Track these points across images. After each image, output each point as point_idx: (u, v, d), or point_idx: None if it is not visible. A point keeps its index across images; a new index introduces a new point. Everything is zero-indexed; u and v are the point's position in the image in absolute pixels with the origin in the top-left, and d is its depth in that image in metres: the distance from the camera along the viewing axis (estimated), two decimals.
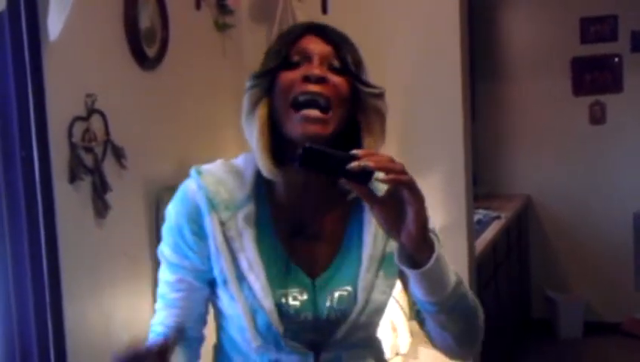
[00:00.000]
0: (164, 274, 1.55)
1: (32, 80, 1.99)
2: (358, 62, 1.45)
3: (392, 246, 1.42)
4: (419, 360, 3.34)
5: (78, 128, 2.16)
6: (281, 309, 1.43)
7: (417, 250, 1.29)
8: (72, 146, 2.12)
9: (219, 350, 1.61)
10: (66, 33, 2.05)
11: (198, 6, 2.86)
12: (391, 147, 3.31)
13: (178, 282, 1.51)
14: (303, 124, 1.35)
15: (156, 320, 1.56)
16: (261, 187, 1.48)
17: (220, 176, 1.48)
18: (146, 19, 2.49)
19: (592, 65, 6.06)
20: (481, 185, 5.68)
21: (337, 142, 1.39)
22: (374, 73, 3.50)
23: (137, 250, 2.46)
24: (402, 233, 1.28)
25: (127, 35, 2.41)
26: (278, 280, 1.44)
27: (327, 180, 1.44)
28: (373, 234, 1.48)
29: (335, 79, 1.39)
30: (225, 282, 1.45)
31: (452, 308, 1.38)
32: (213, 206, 1.44)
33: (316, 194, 1.47)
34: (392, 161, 1.25)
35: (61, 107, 2.09)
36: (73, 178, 2.13)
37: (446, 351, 1.54)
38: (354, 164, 1.21)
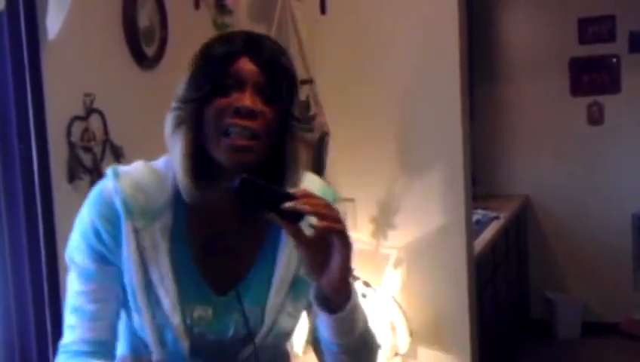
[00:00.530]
0: (76, 285, 1.39)
1: (31, 79, 1.99)
2: (293, 86, 1.39)
3: (304, 271, 1.40)
4: (418, 361, 3.34)
5: (77, 127, 2.16)
6: (187, 326, 1.38)
7: (336, 295, 1.29)
8: (71, 146, 2.12)
9: None
10: (64, 32, 2.05)
11: (197, 5, 2.86)
12: (390, 147, 3.34)
13: (93, 291, 1.38)
14: (231, 154, 1.30)
15: (71, 338, 1.39)
16: (180, 196, 1.39)
17: (138, 180, 1.39)
18: (145, 18, 2.49)
19: (590, 66, 6.06)
20: (480, 185, 5.68)
21: (262, 168, 1.36)
22: (373, 74, 3.51)
23: None
24: (324, 276, 1.27)
25: (126, 35, 2.41)
26: (186, 295, 1.38)
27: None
28: (287, 256, 1.44)
29: (265, 111, 1.32)
30: (132, 293, 1.37)
31: (355, 351, 1.40)
32: (129, 211, 1.35)
33: (235, 212, 1.42)
34: (328, 206, 1.23)
35: (60, 106, 2.09)
36: (72, 177, 2.13)
37: None
38: (289, 205, 1.20)
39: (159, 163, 1.45)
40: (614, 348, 5.75)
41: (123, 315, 1.44)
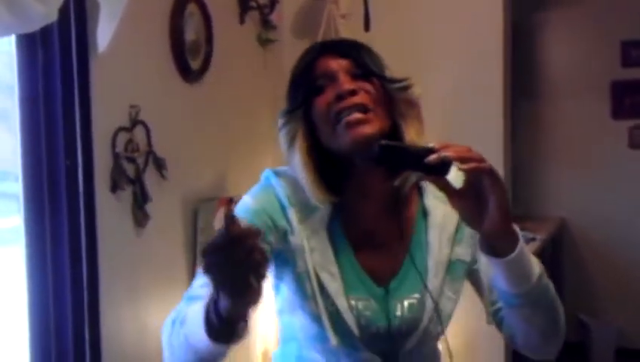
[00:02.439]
0: None
1: (79, 90, 2.03)
2: (378, 62, 1.45)
3: (457, 252, 1.45)
4: None
5: (122, 138, 2.19)
6: (354, 314, 1.41)
7: (501, 239, 1.26)
8: (115, 156, 2.16)
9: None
10: (113, 45, 2.09)
11: (242, 20, 2.89)
12: None
13: None
14: (349, 131, 1.35)
15: (197, 293, 1.33)
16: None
17: (295, 179, 1.45)
18: (192, 32, 2.52)
19: (632, 89, 5.99)
20: (517, 205, 5.64)
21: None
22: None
23: (174, 260, 2.48)
24: (485, 222, 1.25)
25: (172, 48, 2.44)
26: (350, 285, 1.42)
27: (387, 189, 1.43)
28: (438, 240, 1.46)
29: (364, 86, 1.39)
30: (304, 279, 1.41)
31: (537, 300, 1.35)
32: (291, 203, 1.43)
33: (378, 205, 1.45)
34: (469, 150, 1.23)
35: (106, 117, 2.13)
36: (115, 187, 2.16)
37: (530, 350, 1.51)
38: (433, 157, 1.20)
39: None
40: None
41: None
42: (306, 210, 1.43)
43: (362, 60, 1.42)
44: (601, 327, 5.91)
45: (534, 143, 6.26)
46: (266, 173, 1.49)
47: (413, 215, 1.49)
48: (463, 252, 1.45)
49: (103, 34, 2.03)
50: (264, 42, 3.04)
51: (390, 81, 1.43)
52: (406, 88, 1.44)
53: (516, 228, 1.29)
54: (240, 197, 2.67)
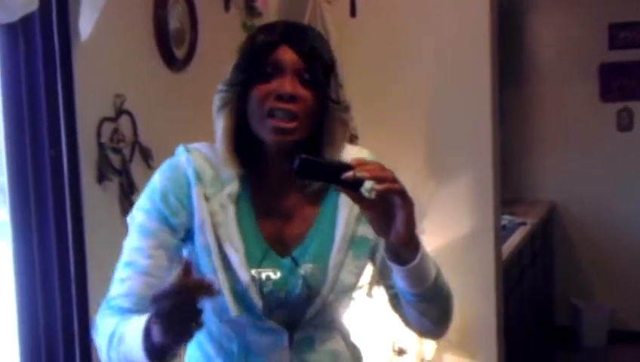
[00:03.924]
0: (134, 241, 1.48)
1: (62, 80, 2.00)
2: (329, 73, 1.51)
3: (362, 230, 1.54)
4: None
5: (107, 129, 2.16)
6: (257, 285, 1.48)
7: (404, 248, 1.38)
8: (101, 147, 2.13)
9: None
10: (96, 34, 2.06)
11: (227, 7, 2.86)
12: (418, 152, 3.32)
13: (151, 247, 1.46)
14: (274, 134, 1.44)
15: (118, 291, 1.46)
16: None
17: (207, 154, 1.53)
18: (176, 20, 2.49)
19: (620, 72, 6.00)
20: (507, 190, 5.63)
21: (302, 145, 1.47)
22: (401, 77, 3.49)
23: None
24: (391, 233, 1.35)
25: (156, 36, 2.41)
26: (253, 258, 1.49)
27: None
28: (346, 217, 1.54)
29: (304, 94, 1.45)
30: (207, 254, 1.47)
31: (432, 297, 1.48)
32: (200, 180, 1.49)
33: (287, 181, 1.52)
34: (383, 169, 1.32)
35: (90, 107, 2.10)
36: (101, 178, 2.14)
37: (422, 334, 1.70)
38: (349, 174, 1.29)
39: None
40: None
41: None
42: (214, 186, 1.50)
43: (316, 69, 1.47)
44: (593, 310, 5.93)
45: (523, 127, 6.27)
46: (179, 148, 1.55)
47: (323, 191, 1.57)
48: (368, 231, 1.49)
49: (86, 22, 2.00)
50: (249, 29, 3.01)
51: (332, 100, 1.50)
52: (344, 110, 1.53)
53: (419, 236, 1.41)
54: None
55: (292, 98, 1.43)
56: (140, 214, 1.50)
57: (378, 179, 1.30)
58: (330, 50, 1.54)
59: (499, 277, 3.34)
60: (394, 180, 1.32)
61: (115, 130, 2.19)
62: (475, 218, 3.25)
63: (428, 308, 1.50)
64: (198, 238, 1.48)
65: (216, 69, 2.78)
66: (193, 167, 1.49)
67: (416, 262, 1.39)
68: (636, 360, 5.63)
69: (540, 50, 6.26)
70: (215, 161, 1.52)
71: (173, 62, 2.49)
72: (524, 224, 5.03)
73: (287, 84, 1.44)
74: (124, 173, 2.21)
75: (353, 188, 1.31)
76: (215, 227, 1.47)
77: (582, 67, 6.07)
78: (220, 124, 1.52)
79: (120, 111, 2.20)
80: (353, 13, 3.19)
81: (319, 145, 1.51)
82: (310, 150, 1.42)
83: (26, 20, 1.91)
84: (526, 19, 6.31)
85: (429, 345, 3.10)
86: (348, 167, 1.30)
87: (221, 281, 1.45)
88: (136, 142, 2.27)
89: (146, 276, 1.45)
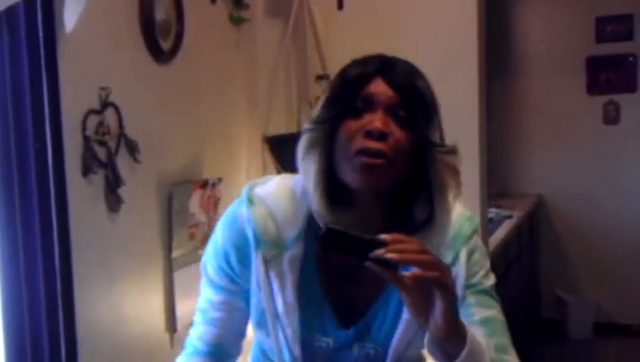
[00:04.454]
0: (207, 292, 1.51)
1: (47, 72, 1.98)
2: (428, 112, 1.36)
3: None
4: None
5: (92, 121, 2.14)
6: (306, 355, 1.41)
7: (447, 341, 1.20)
8: (86, 139, 2.11)
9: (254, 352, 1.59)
10: (81, 26, 2.04)
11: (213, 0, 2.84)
12: None
13: (220, 303, 1.49)
14: (359, 173, 1.28)
15: (194, 335, 1.55)
16: (312, 223, 1.38)
17: (272, 209, 1.39)
18: (162, 12, 2.47)
19: (606, 65, 6.01)
20: (494, 183, 5.64)
21: (404, 194, 1.35)
22: None
23: (149, 245, 2.45)
24: (430, 321, 1.18)
25: (142, 28, 2.39)
26: (310, 325, 1.40)
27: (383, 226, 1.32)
28: None
29: (397, 134, 1.30)
30: (260, 314, 1.43)
31: None
32: (259, 243, 1.38)
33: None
34: (420, 251, 1.16)
35: (75, 99, 2.08)
36: (86, 171, 2.12)
37: None
38: (378, 253, 1.14)
39: (296, 183, 1.42)
40: (626, 348, 5.72)
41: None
42: (275, 248, 1.38)
43: (413, 106, 1.33)
44: (579, 302, 5.96)
45: (510, 120, 6.28)
46: (242, 193, 1.43)
47: None
48: None
49: (71, 14, 1.98)
50: (236, 21, 3.00)
51: (433, 143, 1.35)
52: (451, 152, 1.37)
53: (466, 328, 1.22)
54: (215, 180, 2.65)
55: (382, 135, 1.27)
56: (209, 267, 1.48)
57: (410, 264, 1.14)
58: (431, 88, 1.40)
59: None
60: (432, 266, 1.15)
61: (101, 123, 2.17)
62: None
63: None
64: (253, 298, 1.43)
65: (202, 61, 2.80)
66: (253, 229, 1.37)
67: (461, 358, 1.20)
68: (621, 352, 5.66)
69: (527, 44, 6.27)
70: (279, 218, 1.38)
71: (159, 55, 2.47)
72: (510, 217, 5.05)
73: (377, 120, 1.28)
74: (110, 166, 2.20)
75: (388, 266, 1.14)
76: (273, 292, 1.39)
77: (569, 60, 6.09)
78: (311, 168, 1.35)
79: (105, 104, 2.18)
80: (340, 5, 3.18)
81: (428, 195, 1.34)
82: (402, 202, 1.32)
83: (10, 12, 1.89)
84: (513, 12, 6.32)
85: None
86: (380, 243, 1.15)
87: (272, 343, 1.42)
88: (121, 135, 2.25)
89: (215, 328, 1.52)
